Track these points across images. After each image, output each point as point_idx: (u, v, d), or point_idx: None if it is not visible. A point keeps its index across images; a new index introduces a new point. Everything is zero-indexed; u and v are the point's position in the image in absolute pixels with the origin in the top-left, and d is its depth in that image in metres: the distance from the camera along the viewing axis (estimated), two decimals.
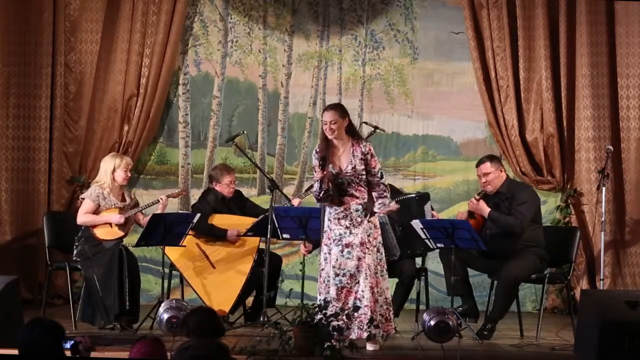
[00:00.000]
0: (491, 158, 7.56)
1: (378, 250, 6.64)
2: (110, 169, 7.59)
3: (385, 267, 6.69)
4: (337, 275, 6.56)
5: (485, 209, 7.35)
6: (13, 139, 9.10)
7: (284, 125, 9.47)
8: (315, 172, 6.65)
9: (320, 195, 6.61)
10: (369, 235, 6.59)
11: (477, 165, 7.55)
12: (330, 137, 6.62)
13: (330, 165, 6.62)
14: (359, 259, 6.55)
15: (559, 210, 9.12)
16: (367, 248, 6.57)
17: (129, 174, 7.68)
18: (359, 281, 6.56)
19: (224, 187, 7.91)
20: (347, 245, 6.57)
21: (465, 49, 9.25)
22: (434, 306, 7.34)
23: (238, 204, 8.00)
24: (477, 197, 7.41)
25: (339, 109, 6.69)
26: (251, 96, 9.48)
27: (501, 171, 7.48)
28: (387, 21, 9.45)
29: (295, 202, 7.89)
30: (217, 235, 7.76)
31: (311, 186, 7.25)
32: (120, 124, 9.15)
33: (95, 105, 9.19)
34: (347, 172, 6.61)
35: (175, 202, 9.25)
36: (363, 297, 6.54)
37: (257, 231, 7.65)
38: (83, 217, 7.57)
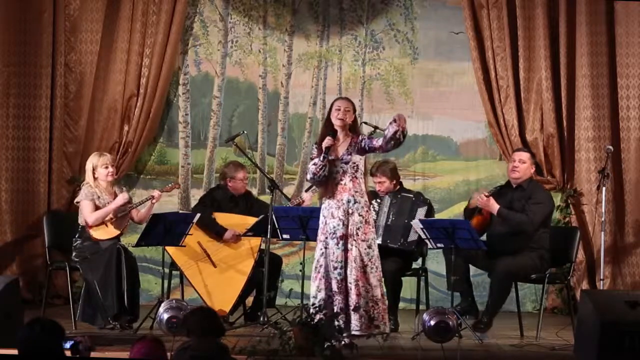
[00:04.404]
0: (532, 152, 7.94)
1: (369, 247, 6.63)
2: (91, 170, 7.61)
3: (376, 265, 6.63)
4: (335, 268, 6.58)
5: (495, 206, 7.38)
6: (13, 139, 9.10)
7: (284, 125, 9.47)
8: (314, 156, 6.64)
9: (320, 168, 6.55)
10: (358, 229, 6.59)
11: (516, 151, 7.81)
12: (339, 123, 6.63)
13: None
14: (346, 250, 6.56)
15: (559, 210, 9.11)
16: (355, 240, 6.57)
17: (111, 170, 7.65)
18: (347, 272, 6.57)
19: (237, 182, 7.94)
20: (341, 238, 6.59)
21: (465, 49, 9.25)
22: (434, 306, 7.36)
23: (247, 203, 8.02)
24: (487, 194, 7.44)
25: (352, 102, 6.82)
26: (251, 96, 9.48)
27: (532, 168, 7.67)
28: (387, 21, 9.45)
29: (307, 196, 7.88)
30: (216, 231, 7.77)
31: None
32: (120, 124, 9.15)
33: (95, 105, 9.19)
34: (343, 159, 6.61)
35: (175, 202, 9.27)
36: (350, 289, 6.55)
37: (257, 231, 7.66)
38: (92, 216, 7.50)
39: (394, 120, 6.45)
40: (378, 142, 6.58)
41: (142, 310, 7.52)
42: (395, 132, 6.43)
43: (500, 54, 9.13)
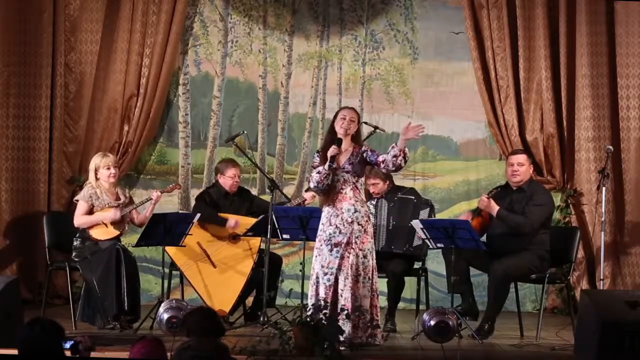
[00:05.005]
0: (527, 153, 7.91)
1: (365, 257, 6.60)
2: (94, 170, 7.63)
3: (369, 276, 6.62)
4: (325, 274, 6.58)
5: (494, 208, 7.37)
6: (13, 139, 9.10)
7: (284, 125, 9.47)
8: (316, 164, 6.66)
9: (325, 176, 6.56)
10: (356, 238, 6.59)
11: (513, 154, 7.70)
12: (342, 132, 6.66)
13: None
14: (342, 257, 6.56)
15: (559, 210, 9.11)
16: (352, 249, 6.57)
17: (114, 171, 7.66)
18: (338, 279, 6.56)
19: (227, 179, 7.94)
20: (335, 245, 6.58)
21: (465, 49, 9.25)
22: (434, 306, 7.36)
23: (244, 202, 8.02)
24: (488, 195, 7.44)
25: (357, 112, 6.86)
26: (251, 96, 9.49)
27: (531, 168, 7.66)
28: (387, 21, 9.45)
29: (308, 195, 7.88)
30: (217, 222, 7.75)
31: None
32: (120, 124, 9.15)
33: (95, 105, 9.19)
34: (344, 168, 6.62)
35: (175, 202, 9.27)
36: (341, 295, 6.54)
37: (257, 231, 7.66)
38: (79, 219, 7.59)
39: (395, 145, 6.52)
40: (379, 158, 6.61)
41: (142, 310, 7.52)
42: (396, 157, 6.48)
43: (500, 54, 9.13)
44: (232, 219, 7.80)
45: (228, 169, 7.97)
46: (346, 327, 6.46)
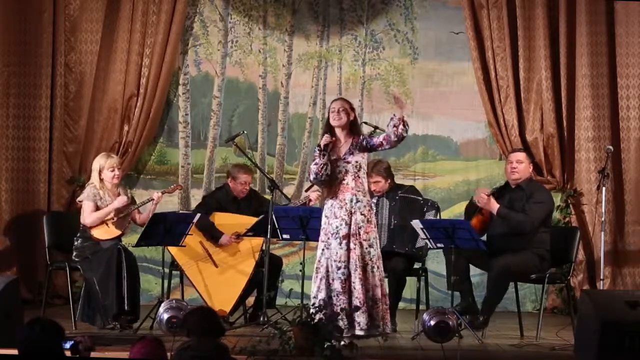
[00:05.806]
0: (527, 153, 7.96)
1: (370, 246, 6.63)
2: (97, 171, 7.62)
3: (377, 265, 6.66)
4: (339, 268, 6.58)
5: (494, 206, 7.38)
6: (13, 139, 9.11)
7: (284, 125, 9.47)
8: (318, 153, 6.67)
9: (322, 167, 6.58)
10: (359, 228, 6.61)
11: (512, 152, 7.78)
12: (335, 124, 6.68)
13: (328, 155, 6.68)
14: (349, 250, 6.58)
15: (559, 210, 9.11)
16: (357, 240, 6.59)
17: (117, 173, 7.66)
18: (350, 272, 6.58)
19: (237, 185, 7.94)
20: (343, 237, 6.60)
21: (465, 49, 9.25)
22: (434, 306, 7.36)
23: (251, 204, 8.00)
24: (487, 194, 7.44)
25: (349, 102, 6.86)
26: (251, 96, 9.49)
27: (530, 167, 7.68)
28: (387, 21, 9.45)
29: (314, 195, 7.87)
30: (213, 235, 7.77)
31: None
32: (120, 124, 9.15)
33: (95, 105, 9.19)
34: (344, 159, 6.64)
35: (175, 202, 9.27)
36: (354, 288, 6.56)
37: (257, 231, 7.66)
38: (91, 216, 7.54)
39: (394, 115, 6.54)
40: (378, 139, 6.64)
41: (142, 310, 7.52)
42: (396, 127, 6.49)
43: (500, 54, 9.13)
44: (225, 236, 7.79)
45: (240, 174, 7.96)
46: (361, 318, 6.49)
